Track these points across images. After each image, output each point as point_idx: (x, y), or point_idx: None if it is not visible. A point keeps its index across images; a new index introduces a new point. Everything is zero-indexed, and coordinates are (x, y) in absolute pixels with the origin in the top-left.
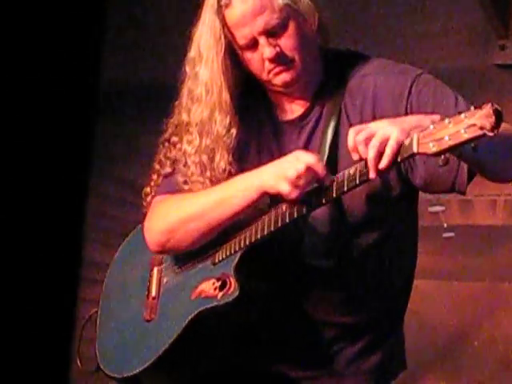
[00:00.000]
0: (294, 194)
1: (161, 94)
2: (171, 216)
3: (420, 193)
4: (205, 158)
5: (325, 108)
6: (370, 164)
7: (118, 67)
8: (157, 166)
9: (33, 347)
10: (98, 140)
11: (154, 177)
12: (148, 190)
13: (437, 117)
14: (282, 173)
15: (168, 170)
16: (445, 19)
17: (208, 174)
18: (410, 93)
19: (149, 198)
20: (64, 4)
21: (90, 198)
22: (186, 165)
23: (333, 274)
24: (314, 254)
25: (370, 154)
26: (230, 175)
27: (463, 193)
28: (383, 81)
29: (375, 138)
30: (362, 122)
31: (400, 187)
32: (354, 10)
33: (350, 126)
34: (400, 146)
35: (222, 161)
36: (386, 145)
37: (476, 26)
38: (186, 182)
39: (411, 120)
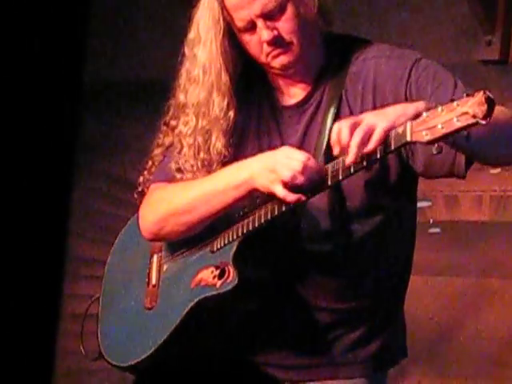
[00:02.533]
0: (290, 199)
1: (148, 88)
2: (163, 207)
3: None
4: (200, 139)
5: (325, 92)
6: (353, 149)
7: (105, 61)
8: (154, 152)
9: (17, 343)
10: (83, 134)
11: (149, 163)
12: (141, 179)
13: (421, 103)
14: (277, 175)
15: (162, 157)
16: (430, 14)
17: (202, 155)
18: (409, 76)
19: (141, 188)
20: None
21: (76, 192)
22: (180, 151)
23: (330, 260)
24: (312, 239)
25: (355, 139)
26: (225, 159)
27: (462, 176)
28: (384, 65)
29: (361, 126)
30: (362, 106)
31: (399, 174)
32: (340, 9)
33: (350, 110)
34: (386, 134)
35: (217, 142)
36: (371, 134)
37: (462, 22)
38: (178, 170)
39: (396, 109)
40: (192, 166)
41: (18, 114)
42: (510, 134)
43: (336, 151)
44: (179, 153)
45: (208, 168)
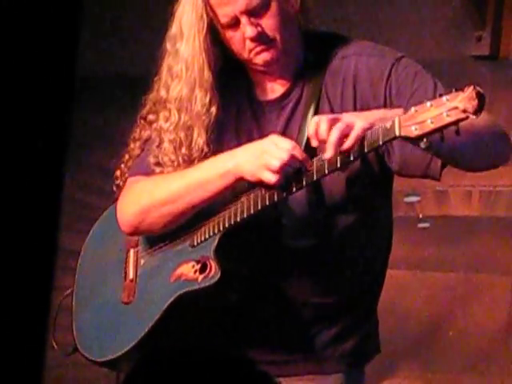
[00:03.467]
0: (278, 181)
1: (137, 82)
2: (144, 198)
3: (395, 183)
4: (182, 135)
5: (305, 88)
6: (331, 144)
7: (97, 56)
8: (131, 145)
9: (7, 335)
10: (73, 127)
11: (126, 157)
12: (118, 173)
13: (399, 110)
14: (265, 162)
15: (140, 150)
16: (421, 10)
17: (183, 151)
18: (389, 75)
19: (118, 181)
20: None
21: (66, 185)
22: (159, 145)
23: (311, 255)
24: (292, 234)
25: (333, 134)
26: (206, 155)
27: (437, 179)
28: (364, 62)
29: (340, 122)
30: (342, 102)
31: (379, 170)
32: (329, 2)
33: (330, 106)
34: (364, 133)
35: (199, 138)
36: (349, 131)
37: (452, 17)
38: (157, 164)
39: (375, 113)
40: (172, 161)
41: (9, 108)
42: (486, 141)
43: (314, 144)
44: (158, 147)
45: (188, 163)
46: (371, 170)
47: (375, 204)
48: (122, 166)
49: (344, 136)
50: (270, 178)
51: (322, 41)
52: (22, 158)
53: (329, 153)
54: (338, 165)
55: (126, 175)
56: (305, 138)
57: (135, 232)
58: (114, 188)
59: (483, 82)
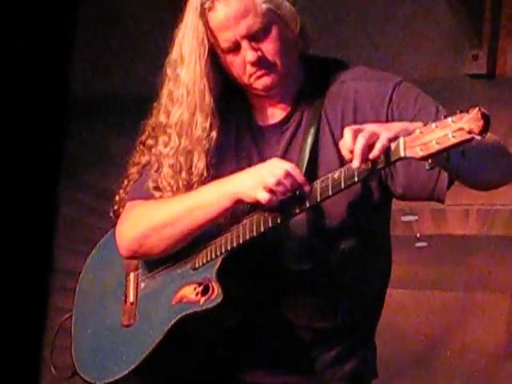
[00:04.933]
0: (270, 200)
1: (134, 101)
2: (144, 222)
3: (392, 202)
4: (182, 159)
5: (305, 113)
6: (358, 153)
7: (91, 75)
8: (130, 170)
9: (3, 356)
10: (69, 147)
11: (125, 182)
12: (117, 198)
13: (420, 124)
14: (261, 181)
15: (139, 175)
16: (417, 29)
17: (183, 175)
18: (391, 100)
19: (116, 207)
20: (35, 11)
21: (62, 205)
22: (158, 170)
23: (311, 279)
24: (294, 258)
25: (359, 143)
26: (205, 180)
27: (442, 201)
28: (364, 87)
29: (364, 132)
30: (342, 127)
31: (380, 195)
32: (327, 22)
33: (331, 130)
34: (390, 143)
35: (199, 163)
36: (375, 140)
37: (449, 36)
38: (156, 188)
39: (397, 125)
40: (171, 185)
41: (4, 126)
42: (496, 156)
43: (347, 156)
44: (157, 172)
45: (187, 188)
46: (372, 195)
47: (375, 229)
48: (121, 191)
49: (369, 145)
50: (264, 196)
51: (321, 65)
52: (18, 177)
53: (356, 162)
54: (343, 185)
55: (125, 200)
56: (305, 161)
57: (134, 256)
58: (111, 214)
59: (480, 101)
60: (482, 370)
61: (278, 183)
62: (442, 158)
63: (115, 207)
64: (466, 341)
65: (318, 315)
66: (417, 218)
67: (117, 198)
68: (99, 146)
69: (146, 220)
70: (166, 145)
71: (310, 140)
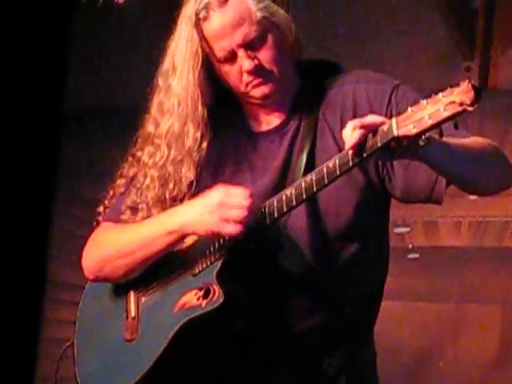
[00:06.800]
0: (242, 231)
1: (128, 113)
2: (102, 250)
3: None
4: (171, 169)
5: (303, 117)
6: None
7: (85, 87)
8: (117, 182)
9: None
10: (63, 159)
11: (111, 193)
12: (101, 208)
13: None
14: (225, 216)
15: (124, 188)
16: (409, 40)
17: (170, 186)
18: (390, 101)
19: (100, 217)
20: (29, 25)
21: (56, 217)
22: (141, 182)
23: (311, 281)
24: (293, 259)
25: (355, 132)
26: (194, 190)
27: (440, 203)
28: (363, 89)
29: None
30: (342, 128)
31: (379, 198)
32: (316, 33)
33: (332, 134)
34: (375, 120)
35: (188, 173)
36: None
37: (441, 48)
38: (131, 208)
39: None
40: (147, 201)
41: None
42: (494, 160)
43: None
44: (139, 189)
45: (163, 204)
46: (371, 198)
47: (374, 231)
48: (106, 202)
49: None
50: (234, 229)
51: (316, 68)
52: (12, 189)
53: (348, 144)
54: (338, 172)
55: (102, 217)
56: (303, 166)
57: (97, 279)
58: (94, 223)
59: (472, 112)
60: (474, 382)
61: (244, 212)
62: (432, 152)
63: (99, 218)
64: (459, 352)
65: (318, 317)
66: (409, 229)
67: (100, 208)
68: (93, 159)
69: (103, 248)
70: (150, 156)
71: (309, 143)
